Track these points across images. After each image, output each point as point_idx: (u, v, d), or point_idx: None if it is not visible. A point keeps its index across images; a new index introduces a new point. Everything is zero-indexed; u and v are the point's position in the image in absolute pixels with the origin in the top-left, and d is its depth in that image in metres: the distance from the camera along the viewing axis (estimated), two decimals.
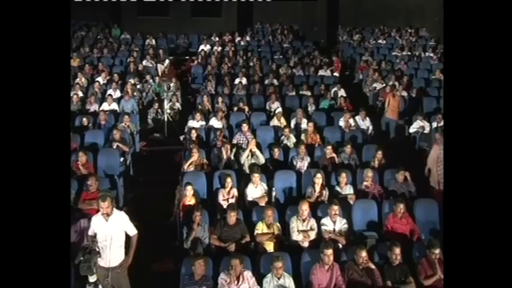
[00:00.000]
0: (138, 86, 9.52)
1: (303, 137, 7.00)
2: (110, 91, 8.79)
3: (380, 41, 14.19)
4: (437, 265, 4.19)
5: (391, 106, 8.24)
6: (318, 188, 5.29)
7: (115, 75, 9.67)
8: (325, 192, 5.32)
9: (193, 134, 6.88)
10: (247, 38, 13.48)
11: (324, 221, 4.82)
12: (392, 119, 8.26)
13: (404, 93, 9.29)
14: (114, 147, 6.62)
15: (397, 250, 4.19)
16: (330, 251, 4.03)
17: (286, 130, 6.98)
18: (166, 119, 8.37)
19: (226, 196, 5.29)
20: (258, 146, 6.38)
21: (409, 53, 12.78)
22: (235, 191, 5.35)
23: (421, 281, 4.16)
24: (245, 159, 6.05)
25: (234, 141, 6.75)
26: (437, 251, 4.19)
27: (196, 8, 14.37)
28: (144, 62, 10.95)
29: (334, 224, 4.81)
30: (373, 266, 4.15)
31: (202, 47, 12.36)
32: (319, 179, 5.29)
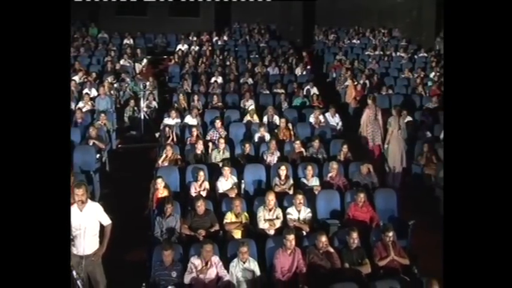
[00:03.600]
0: (115, 85, 9.66)
1: (276, 131, 7.33)
2: (86, 90, 8.91)
3: (354, 41, 14.63)
4: (390, 247, 4.55)
5: (355, 96, 9.39)
6: (283, 177, 5.65)
7: (93, 74, 9.80)
8: (290, 182, 5.66)
9: (168, 131, 7.11)
10: (225, 38, 13.70)
11: (289, 210, 5.14)
12: (355, 106, 9.46)
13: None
14: (91, 144, 6.79)
15: (354, 235, 4.53)
16: (291, 236, 4.34)
17: (262, 129, 7.17)
18: (142, 117, 8.56)
19: (198, 189, 5.56)
20: (230, 141, 6.66)
21: (381, 53, 13.27)
22: (206, 184, 5.63)
23: (376, 262, 4.50)
24: (216, 154, 6.34)
25: (208, 137, 7.02)
26: (390, 233, 4.56)
27: (174, 8, 14.52)
28: (121, 62, 11.06)
29: (299, 213, 5.13)
30: (332, 250, 4.48)
31: (179, 46, 12.54)
32: (283, 171, 5.65)
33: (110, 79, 9.64)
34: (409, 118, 7.99)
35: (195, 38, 13.20)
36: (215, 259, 4.23)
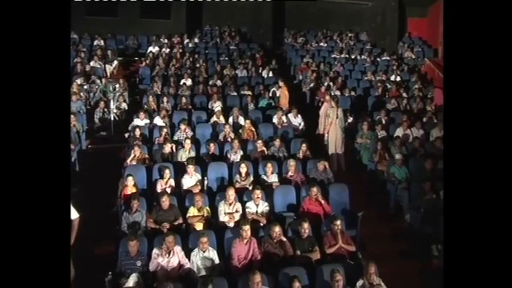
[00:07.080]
0: (85, 87, 9.81)
1: (240, 131, 7.73)
2: None
3: (321, 44, 15.18)
4: (339, 236, 5.03)
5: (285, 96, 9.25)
6: (243, 175, 6.08)
7: None
8: (250, 179, 6.09)
9: (137, 132, 7.40)
10: (196, 40, 13.96)
11: (248, 204, 5.55)
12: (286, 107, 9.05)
13: (338, 92, 10.36)
14: None
15: (306, 225, 4.98)
16: (247, 227, 4.75)
17: (227, 127, 7.60)
18: (112, 118, 8.79)
19: (164, 186, 5.90)
20: (197, 141, 7.02)
21: (347, 56, 13.88)
22: (172, 181, 5.98)
23: (325, 249, 4.97)
24: (182, 154, 6.69)
25: (175, 138, 7.36)
26: (338, 222, 5.03)
27: (145, 9, 14.63)
28: (91, 63, 11.16)
29: (257, 206, 5.54)
30: (285, 239, 4.91)
31: (150, 48, 12.73)
32: (244, 168, 6.08)
33: (79, 81, 9.78)
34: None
35: (166, 40, 13.40)
36: (177, 249, 4.58)
